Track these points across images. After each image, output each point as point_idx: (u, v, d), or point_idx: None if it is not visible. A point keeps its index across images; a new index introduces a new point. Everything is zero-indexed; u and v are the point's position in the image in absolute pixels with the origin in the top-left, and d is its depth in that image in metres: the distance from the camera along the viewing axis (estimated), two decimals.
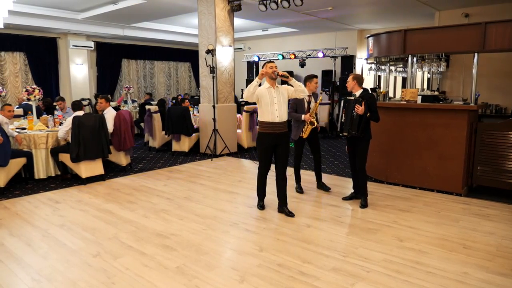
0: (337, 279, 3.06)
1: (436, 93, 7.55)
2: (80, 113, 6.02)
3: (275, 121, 4.39)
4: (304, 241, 3.81)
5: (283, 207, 4.60)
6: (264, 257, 3.47)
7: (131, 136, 6.70)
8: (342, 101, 4.95)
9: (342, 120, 4.91)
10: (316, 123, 5.11)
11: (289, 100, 4.71)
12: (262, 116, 4.45)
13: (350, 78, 4.89)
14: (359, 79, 4.86)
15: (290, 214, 4.51)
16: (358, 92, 4.80)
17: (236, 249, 3.68)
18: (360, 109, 4.62)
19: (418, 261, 3.37)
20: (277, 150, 4.51)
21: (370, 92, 4.97)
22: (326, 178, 6.30)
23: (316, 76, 5.31)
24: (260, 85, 4.39)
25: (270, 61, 4.47)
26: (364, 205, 4.84)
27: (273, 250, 3.62)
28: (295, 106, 5.18)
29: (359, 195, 4.97)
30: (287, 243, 3.77)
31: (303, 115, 5.12)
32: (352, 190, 5.19)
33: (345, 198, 5.14)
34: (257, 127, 4.75)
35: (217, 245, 3.77)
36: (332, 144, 9.76)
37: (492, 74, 8.49)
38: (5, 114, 5.76)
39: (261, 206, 4.80)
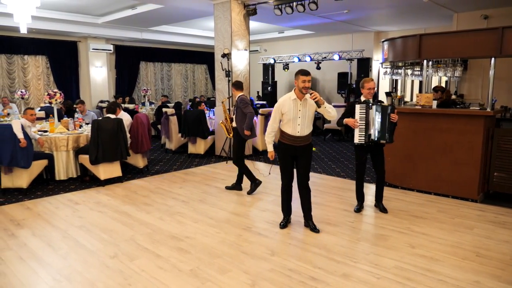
0: (347, 285, 3.10)
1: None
2: (112, 116, 6.28)
3: (296, 135, 4.06)
4: (316, 246, 3.86)
5: (308, 221, 4.29)
6: (275, 261, 3.53)
7: (148, 139, 6.85)
8: (374, 106, 4.58)
9: (378, 127, 4.56)
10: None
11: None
12: (284, 127, 4.11)
13: (372, 82, 4.64)
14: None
15: (315, 230, 4.20)
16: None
17: (249, 253, 3.75)
18: (396, 117, 4.55)
19: (429, 269, 3.37)
20: (298, 160, 4.20)
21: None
22: (340, 183, 6.33)
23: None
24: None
25: (304, 72, 3.89)
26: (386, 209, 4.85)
27: (285, 254, 3.67)
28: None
29: (377, 201, 4.95)
30: (299, 248, 3.82)
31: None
32: (357, 202, 4.97)
33: (358, 211, 4.89)
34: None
35: (230, 248, 3.85)
36: (347, 147, 9.74)
37: None
38: (28, 117, 5.97)
39: (283, 224, 4.32)
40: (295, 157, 4.19)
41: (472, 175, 5.22)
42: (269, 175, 6.72)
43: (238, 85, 5.81)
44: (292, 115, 4.00)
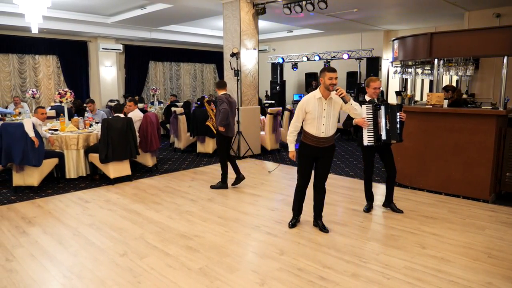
0: (357, 285, 3.08)
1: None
2: (121, 115, 6.36)
3: (320, 136, 3.94)
4: (325, 245, 3.84)
5: (317, 221, 4.28)
6: (284, 260, 3.52)
7: (157, 138, 6.89)
8: (383, 107, 4.53)
9: (388, 127, 4.51)
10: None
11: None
12: (307, 127, 3.99)
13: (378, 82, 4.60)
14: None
15: (324, 230, 4.19)
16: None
17: (257, 252, 3.75)
18: (404, 115, 4.56)
19: (440, 269, 3.34)
20: (319, 161, 4.10)
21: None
22: (349, 182, 6.30)
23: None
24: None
25: (331, 69, 3.82)
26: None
27: (294, 254, 3.66)
28: None
29: (387, 202, 4.89)
30: (308, 247, 3.80)
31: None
32: (366, 202, 4.93)
33: (367, 211, 4.87)
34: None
35: (239, 247, 3.85)
36: (356, 147, 9.67)
37: None
38: (39, 116, 6.03)
39: (293, 224, 4.32)
40: (316, 158, 4.10)
41: (484, 175, 5.15)
42: (269, 173, 6.75)
43: (219, 84, 5.95)
44: (316, 114, 3.89)
